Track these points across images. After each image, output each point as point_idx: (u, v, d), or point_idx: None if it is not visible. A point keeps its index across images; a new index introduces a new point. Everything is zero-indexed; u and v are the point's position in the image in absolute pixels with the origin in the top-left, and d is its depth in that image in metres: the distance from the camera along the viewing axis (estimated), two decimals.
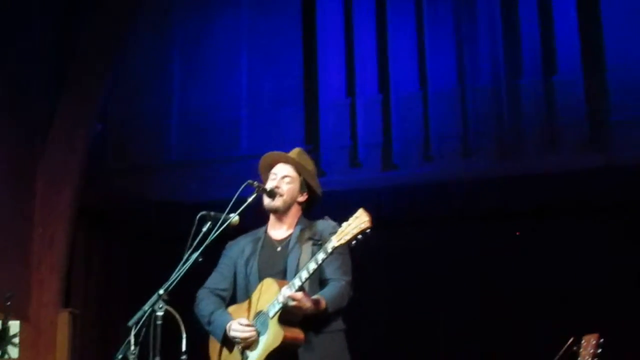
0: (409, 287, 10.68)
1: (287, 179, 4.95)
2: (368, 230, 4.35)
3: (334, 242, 4.40)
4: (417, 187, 10.58)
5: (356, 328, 5.01)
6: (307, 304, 4.52)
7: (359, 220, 4.36)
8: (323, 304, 4.59)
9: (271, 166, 5.05)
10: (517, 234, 10.79)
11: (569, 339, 5.68)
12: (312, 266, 4.47)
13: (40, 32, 10.12)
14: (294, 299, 4.47)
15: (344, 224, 4.40)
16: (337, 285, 4.71)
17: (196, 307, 4.99)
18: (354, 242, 4.37)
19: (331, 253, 4.43)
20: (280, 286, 4.58)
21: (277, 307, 4.54)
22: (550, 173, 10.14)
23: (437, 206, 10.86)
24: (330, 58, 11.32)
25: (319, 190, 5.05)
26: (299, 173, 4.99)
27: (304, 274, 4.49)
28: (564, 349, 5.68)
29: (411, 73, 10.96)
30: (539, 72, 10.56)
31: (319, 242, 4.61)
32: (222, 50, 11.72)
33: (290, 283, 4.53)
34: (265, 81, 11.50)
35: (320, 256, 4.45)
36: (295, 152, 5.07)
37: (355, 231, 4.35)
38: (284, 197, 4.93)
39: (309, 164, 5.07)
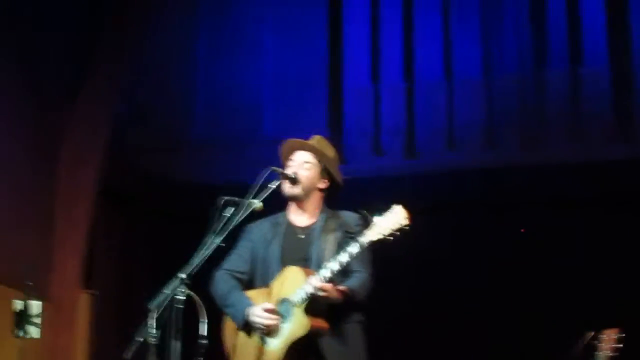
0: (430, 276, 10.67)
1: (305, 165, 4.92)
2: (407, 227, 4.34)
3: (371, 236, 4.40)
4: (439, 175, 10.56)
5: (374, 316, 5.00)
6: (336, 295, 4.53)
7: (398, 217, 4.37)
8: (349, 295, 4.60)
9: (291, 153, 5.01)
10: (523, 230, 10.74)
11: (589, 333, 5.67)
12: (345, 259, 4.46)
13: (65, 9, 10.12)
14: (323, 290, 4.48)
15: (378, 219, 4.40)
16: (361, 277, 4.71)
17: (213, 287, 4.95)
18: (390, 238, 4.37)
19: (367, 247, 4.43)
20: (307, 275, 4.57)
21: (304, 296, 4.53)
22: (574, 164, 10.11)
23: (460, 195, 10.82)
24: (356, 44, 11.31)
25: (339, 177, 5.00)
26: (319, 160, 4.95)
27: (335, 266, 4.48)
28: (584, 342, 5.67)
29: (436, 61, 10.95)
30: (565, 62, 10.52)
31: (352, 235, 4.59)
32: (247, 32, 11.72)
33: (320, 273, 4.51)
34: (289, 65, 11.49)
35: (355, 250, 4.44)
36: (315, 139, 5.03)
37: (395, 227, 4.35)
38: (303, 183, 4.90)
39: (330, 151, 5.01)
